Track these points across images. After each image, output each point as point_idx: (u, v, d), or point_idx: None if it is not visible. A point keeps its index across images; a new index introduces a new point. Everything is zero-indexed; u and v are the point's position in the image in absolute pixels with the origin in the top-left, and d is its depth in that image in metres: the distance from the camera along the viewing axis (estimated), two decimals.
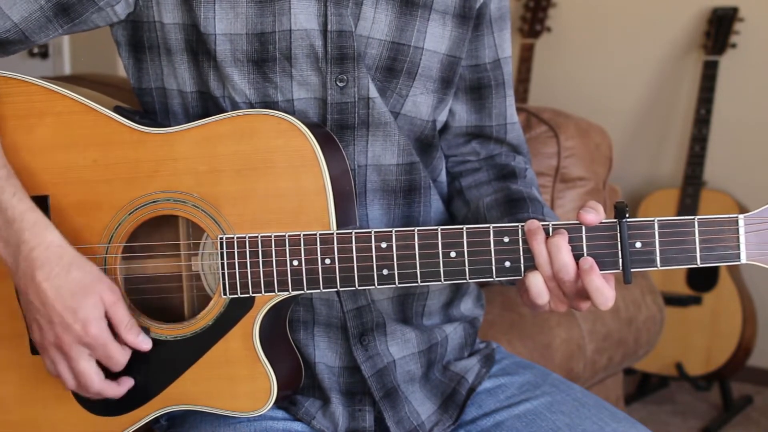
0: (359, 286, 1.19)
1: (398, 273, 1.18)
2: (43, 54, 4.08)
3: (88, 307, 1.19)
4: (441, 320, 1.43)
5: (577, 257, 1.15)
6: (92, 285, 1.20)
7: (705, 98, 3.50)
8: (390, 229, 1.18)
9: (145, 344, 1.23)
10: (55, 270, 1.19)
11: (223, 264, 1.21)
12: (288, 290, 1.20)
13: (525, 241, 1.16)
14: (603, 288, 1.13)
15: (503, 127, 1.46)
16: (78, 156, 1.26)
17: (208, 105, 1.30)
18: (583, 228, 1.15)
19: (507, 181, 1.41)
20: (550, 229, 1.16)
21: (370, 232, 1.18)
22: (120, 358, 1.22)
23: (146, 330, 1.25)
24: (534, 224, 1.15)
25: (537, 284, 1.15)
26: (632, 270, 1.14)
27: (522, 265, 1.16)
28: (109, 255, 1.26)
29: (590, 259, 1.14)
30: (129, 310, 1.23)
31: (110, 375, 1.24)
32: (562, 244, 1.14)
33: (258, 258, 1.20)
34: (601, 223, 1.14)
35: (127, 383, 1.25)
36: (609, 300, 1.14)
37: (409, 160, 1.35)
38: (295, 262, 1.20)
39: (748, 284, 3.53)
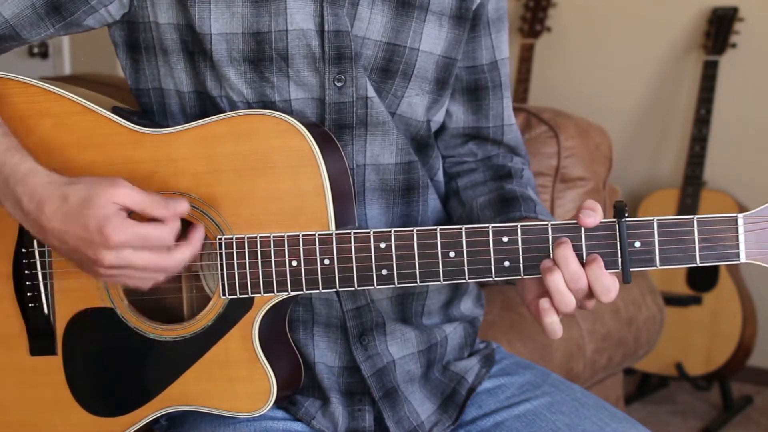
0: (358, 286, 1.19)
1: (397, 273, 1.18)
2: (43, 54, 4.08)
3: (95, 213, 1.13)
4: (441, 320, 1.43)
5: (578, 257, 1.15)
6: (91, 193, 1.14)
7: (705, 98, 3.50)
8: (389, 230, 1.18)
9: (181, 207, 1.16)
10: (53, 206, 1.15)
11: (222, 265, 1.21)
12: (287, 291, 1.20)
13: (524, 241, 1.16)
14: (602, 276, 1.13)
15: (500, 128, 1.46)
16: (77, 157, 1.26)
17: (205, 105, 1.30)
18: (582, 227, 1.15)
19: (502, 182, 1.41)
20: (549, 229, 1.16)
21: (369, 233, 1.18)
22: (158, 232, 1.15)
23: (141, 335, 1.24)
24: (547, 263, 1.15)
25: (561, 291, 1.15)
26: (631, 269, 1.14)
27: (521, 265, 1.16)
28: None
29: (594, 254, 1.15)
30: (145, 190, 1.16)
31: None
32: (569, 254, 1.14)
33: (257, 258, 1.20)
34: (601, 222, 1.14)
35: (198, 232, 1.19)
36: (610, 289, 1.13)
37: (407, 159, 1.35)
38: (294, 263, 1.20)
39: (748, 284, 3.53)
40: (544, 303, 1.16)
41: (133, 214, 1.16)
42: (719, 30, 3.55)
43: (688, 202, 3.48)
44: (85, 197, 1.14)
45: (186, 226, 1.27)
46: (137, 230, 1.14)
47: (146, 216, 1.16)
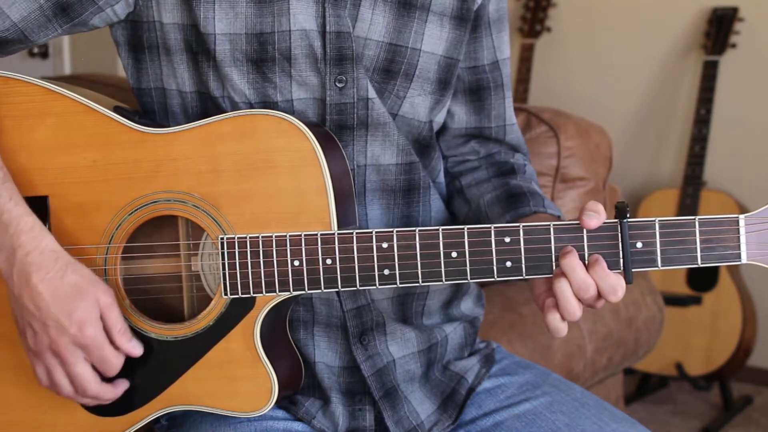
0: (360, 286, 1.19)
1: (399, 273, 1.18)
2: (43, 54, 4.09)
3: (84, 308, 1.19)
4: (441, 320, 1.43)
5: (580, 258, 1.15)
6: (88, 287, 1.20)
7: (705, 98, 3.51)
8: (391, 230, 1.18)
9: (136, 350, 1.23)
10: (51, 273, 1.19)
11: (223, 264, 1.21)
12: (289, 290, 1.20)
13: (526, 242, 1.16)
14: (606, 277, 1.13)
15: (502, 128, 1.46)
16: (78, 156, 1.26)
17: (207, 105, 1.30)
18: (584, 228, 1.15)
19: (506, 178, 1.41)
20: (552, 230, 1.16)
21: (372, 232, 1.18)
22: (115, 361, 1.22)
23: (142, 334, 1.25)
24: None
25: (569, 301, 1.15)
26: (633, 270, 1.14)
27: (523, 266, 1.16)
28: (109, 255, 1.26)
29: (596, 255, 1.15)
30: (122, 314, 1.23)
31: (104, 379, 1.24)
32: (575, 264, 1.14)
33: (259, 258, 1.20)
34: (603, 223, 1.14)
35: (123, 385, 1.25)
36: (616, 288, 1.13)
37: (408, 159, 1.35)
38: (296, 263, 1.20)
39: (748, 284, 3.53)
40: (550, 301, 1.16)
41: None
42: (719, 30, 3.55)
43: (688, 202, 3.48)
44: (82, 288, 1.19)
45: (188, 226, 1.27)
46: (105, 348, 1.21)
47: (111, 337, 1.22)
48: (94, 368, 1.23)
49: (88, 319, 1.19)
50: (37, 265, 1.19)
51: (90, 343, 1.20)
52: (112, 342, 1.22)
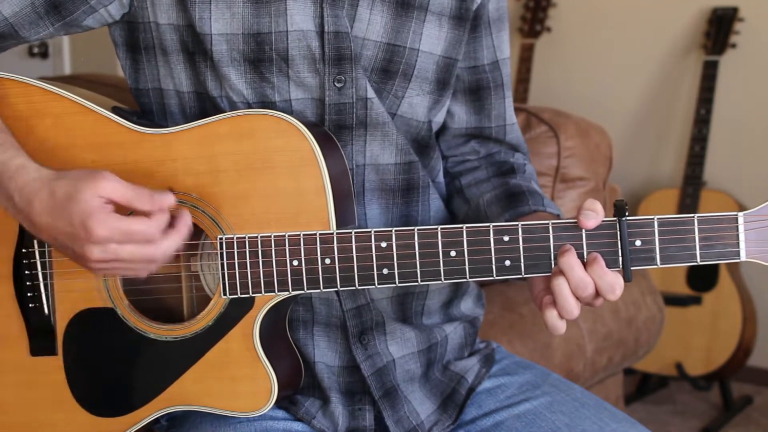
0: (359, 285, 1.19)
1: (398, 272, 1.18)
2: (43, 54, 4.09)
3: (79, 208, 1.13)
4: (441, 320, 1.43)
5: (579, 256, 1.15)
6: (77, 187, 1.14)
7: (705, 98, 3.51)
8: (390, 229, 1.18)
9: (166, 200, 1.16)
10: (42, 202, 1.16)
11: (222, 264, 1.21)
12: (288, 290, 1.20)
13: (525, 240, 1.16)
14: (604, 275, 1.13)
15: (502, 128, 1.46)
16: (77, 157, 1.26)
17: (205, 105, 1.30)
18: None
19: (506, 177, 1.41)
20: (550, 228, 1.16)
21: (370, 232, 1.18)
22: (142, 226, 1.14)
23: (141, 334, 1.24)
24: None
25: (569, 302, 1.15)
26: (632, 268, 1.14)
27: (522, 264, 1.16)
28: None
29: (594, 253, 1.15)
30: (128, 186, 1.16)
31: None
32: (573, 262, 1.14)
33: (258, 258, 1.20)
34: (601, 221, 1.14)
35: (184, 218, 1.18)
36: (614, 286, 1.13)
37: (407, 159, 1.35)
38: (295, 262, 1.20)
39: (748, 284, 3.53)
40: (548, 299, 1.16)
41: (122, 208, 1.15)
42: (719, 30, 3.55)
43: (688, 202, 3.48)
44: (71, 192, 1.14)
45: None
46: (120, 225, 1.13)
47: (132, 209, 1.15)
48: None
49: (86, 216, 1.13)
50: (30, 202, 1.16)
51: (102, 233, 1.13)
52: (140, 212, 1.16)
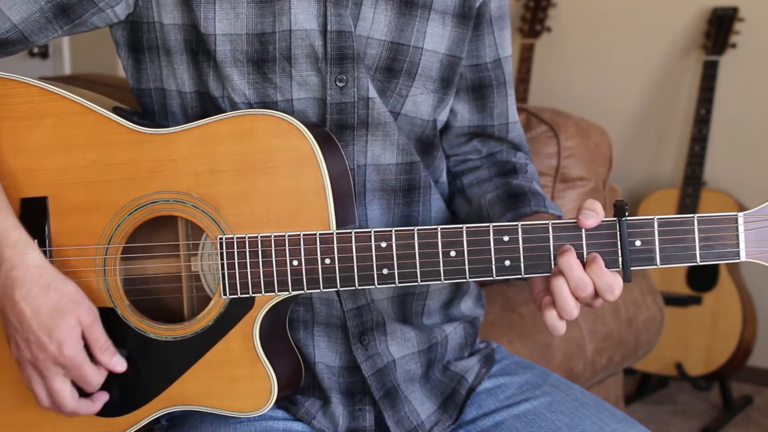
0: (359, 285, 1.19)
1: (398, 272, 1.18)
2: (43, 54, 4.09)
3: (64, 327, 1.20)
4: (441, 320, 1.43)
5: (579, 256, 1.15)
6: (69, 306, 1.21)
7: (705, 98, 3.51)
8: (390, 229, 1.18)
9: (119, 366, 1.24)
10: (34, 290, 1.20)
11: (222, 264, 1.21)
12: (288, 290, 1.20)
13: (525, 240, 1.16)
14: (603, 275, 1.13)
15: (505, 126, 1.46)
16: (77, 157, 1.26)
17: (207, 105, 1.30)
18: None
19: (508, 177, 1.41)
20: (550, 228, 1.16)
21: (370, 232, 1.18)
22: (94, 379, 1.23)
23: (142, 334, 1.25)
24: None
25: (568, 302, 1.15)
26: (632, 268, 1.14)
27: (522, 264, 1.16)
28: (108, 256, 1.26)
29: (593, 253, 1.15)
30: (104, 331, 1.24)
31: (84, 394, 1.25)
32: (573, 262, 1.14)
33: (258, 258, 1.20)
34: (601, 222, 1.14)
35: (102, 399, 1.26)
36: (613, 287, 1.13)
37: (408, 159, 1.35)
38: (295, 262, 1.20)
39: (748, 284, 3.53)
40: (547, 299, 1.16)
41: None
42: (719, 30, 3.55)
43: (688, 202, 3.48)
44: (63, 308, 1.21)
45: (188, 226, 1.27)
46: (84, 366, 1.23)
47: (93, 353, 1.23)
48: (75, 384, 1.24)
49: (67, 339, 1.20)
50: (21, 281, 1.20)
51: (68, 362, 1.21)
52: (94, 359, 1.23)
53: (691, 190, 3.49)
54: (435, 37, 1.34)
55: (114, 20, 1.31)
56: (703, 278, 3.46)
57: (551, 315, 1.16)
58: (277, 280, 1.20)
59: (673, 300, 3.39)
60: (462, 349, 1.45)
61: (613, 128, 2.73)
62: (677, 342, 3.45)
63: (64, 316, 1.20)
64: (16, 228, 1.22)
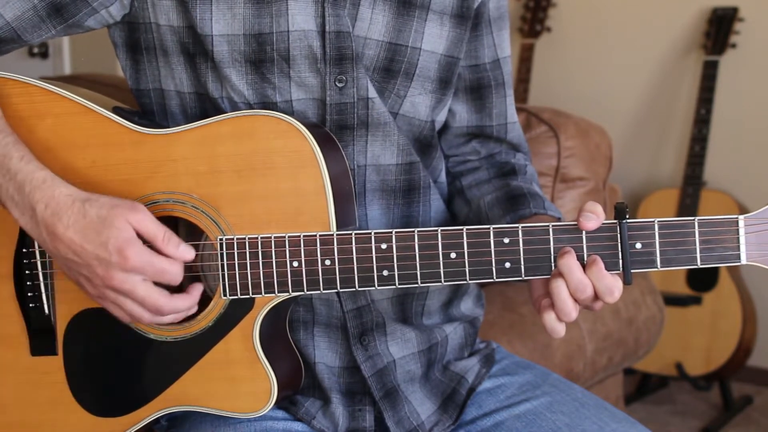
0: (359, 287, 1.19)
1: (398, 274, 1.18)
2: (43, 54, 4.09)
3: (116, 234, 1.16)
4: (441, 320, 1.43)
5: (579, 258, 1.15)
6: (112, 213, 1.17)
7: (705, 98, 3.50)
8: (390, 230, 1.18)
9: (188, 254, 1.19)
10: (72, 216, 1.17)
11: (222, 265, 1.21)
12: (288, 291, 1.20)
13: (525, 242, 1.16)
14: (603, 278, 1.13)
15: (504, 126, 1.46)
16: (77, 157, 1.26)
17: (206, 106, 1.30)
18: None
19: (507, 179, 1.41)
20: (551, 231, 1.16)
21: (370, 233, 1.18)
22: (172, 268, 1.18)
23: (141, 335, 1.24)
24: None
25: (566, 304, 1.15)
26: (632, 271, 1.14)
27: (522, 267, 1.16)
28: None
29: (594, 256, 1.15)
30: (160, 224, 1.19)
31: (173, 291, 1.21)
32: (572, 264, 1.14)
33: (258, 259, 1.20)
34: (602, 224, 1.14)
35: (197, 289, 1.22)
36: (612, 289, 1.13)
37: (408, 159, 1.35)
38: (295, 263, 1.20)
39: (748, 284, 3.53)
40: (546, 302, 1.16)
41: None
42: (719, 30, 3.55)
43: (688, 202, 3.48)
44: (106, 216, 1.16)
45: (188, 226, 1.27)
46: (155, 260, 1.16)
47: (157, 248, 1.17)
48: (159, 285, 1.19)
49: (124, 243, 1.15)
50: (57, 215, 1.17)
51: (137, 263, 1.16)
52: (160, 252, 1.18)
53: (691, 190, 3.49)
54: (433, 38, 1.34)
55: (109, 21, 1.31)
56: (703, 278, 3.46)
57: (550, 317, 1.16)
58: (277, 281, 1.20)
59: (673, 300, 3.39)
60: (462, 349, 1.45)
61: (613, 128, 2.73)
62: (677, 342, 3.45)
63: (110, 225, 1.16)
64: (40, 169, 1.20)
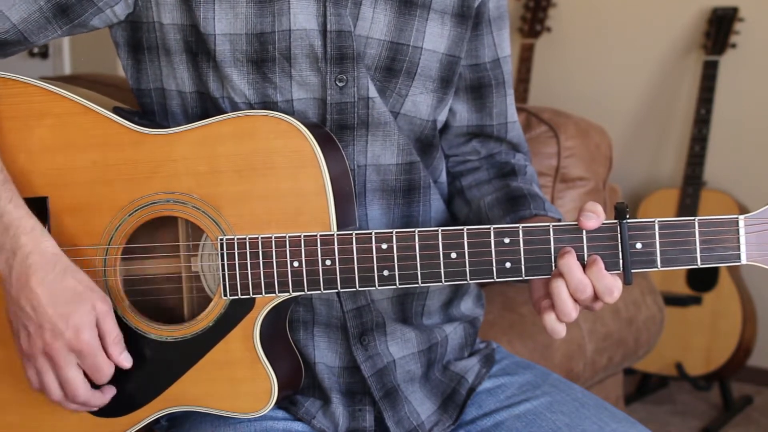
0: (360, 287, 1.19)
1: (399, 274, 1.18)
2: (43, 54, 4.08)
3: (81, 314, 1.19)
4: (441, 320, 1.43)
5: (579, 258, 1.15)
6: (85, 293, 1.20)
7: (705, 98, 3.50)
8: (390, 231, 1.18)
9: (126, 362, 1.23)
10: (50, 276, 1.19)
11: (223, 265, 1.21)
12: (288, 291, 1.20)
13: (526, 243, 1.16)
14: (602, 278, 1.13)
15: (504, 126, 1.46)
16: (77, 157, 1.26)
17: (207, 106, 1.30)
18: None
19: (507, 179, 1.41)
20: (551, 231, 1.16)
21: (371, 233, 1.18)
22: (107, 369, 1.22)
23: (142, 335, 1.25)
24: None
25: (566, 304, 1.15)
26: (633, 271, 1.14)
27: (522, 267, 1.16)
28: (108, 256, 1.26)
29: (594, 256, 1.15)
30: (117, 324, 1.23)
31: (93, 387, 1.25)
32: (573, 264, 1.14)
33: (258, 259, 1.20)
34: (602, 224, 1.14)
35: (111, 391, 1.25)
36: (612, 289, 1.13)
37: (408, 159, 1.35)
38: (296, 264, 1.20)
39: (748, 284, 3.53)
40: (546, 303, 1.16)
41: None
42: (719, 30, 3.55)
43: (688, 202, 3.48)
44: (81, 293, 1.20)
45: (188, 226, 1.27)
46: (99, 354, 1.21)
47: (104, 345, 1.22)
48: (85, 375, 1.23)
49: (84, 325, 1.19)
50: (37, 267, 1.19)
51: (84, 348, 1.20)
52: (105, 350, 1.22)
53: (691, 190, 3.49)
54: (434, 37, 1.34)
55: (114, 20, 1.31)
56: (703, 278, 3.46)
57: (550, 318, 1.16)
58: (278, 282, 1.20)
59: (673, 300, 3.39)
60: (462, 349, 1.45)
61: (613, 128, 2.72)
62: (677, 342, 3.45)
63: (81, 303, 1.19)
64: (30, 216, 1.21)
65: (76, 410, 1.25)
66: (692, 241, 1.13)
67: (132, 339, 1.26)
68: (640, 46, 3.80)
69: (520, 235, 1.16)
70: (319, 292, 1.20)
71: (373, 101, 1.30)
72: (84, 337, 1.19)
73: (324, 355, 1.34)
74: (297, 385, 1.32)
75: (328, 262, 1.19)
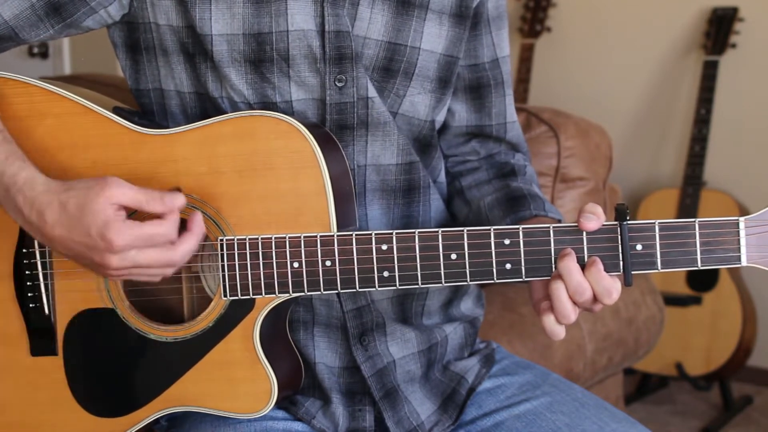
0: (360, 287, 1.19)
1: (399, 275, 1.18)
2: (43, 54, 4.08)
3: (93, 219, 1.13)
4: (441, 320, 1.43)
5: (579, 260, 1.15)
6: (87, 197, 1.14)
7: (705, 98, 3.50)
8: (390, 231, 1.18)
9: (178, 201, 1.15)
10: (54, 213, 1.16)
11: (223, 266, 1.21)
12: (288, 292, 1.20)
13: (526, 244, 1.16)
14: (601, 279, 1.13)
15: (503, 126, 1.46)
16: (77, 157, 1.26)
17: (206, 106, 1.30)
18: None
19: (507, 179, 1.41)
20: (551, 232, 1.16)
21: (371, 234, 1.18)
22: (161, 229, 1.14)
23: (142, 335, 1.24)
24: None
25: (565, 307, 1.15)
26: (633, 272, 1.14)
27: (522, 268, 1.16)
28: None
29: (593, 257, 1.15)
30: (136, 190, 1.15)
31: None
32: (572, 266, 1.14)
33: (258, 260, 1.20)
34: (602, 225, 1.14)
35: (197, 218, 1.18)
36: (610, 291, 1.13)
37: (408, 159, 1.35)
38: (296, 264, 1.20)
39: (748, 284, 3.53)
40: (545, 304, 1.17)
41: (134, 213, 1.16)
42: (719, 30, 3.55)
43: (688, 203, 3.48)
44: (82, 202, 1.14)
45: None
46: (139, 231, 1.14)
47: (144, 213, 1.15)
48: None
49: (103, 227, 1.13)
50: (42, 215, 1.16)
51: (121, 242, 1.13)
52: (151, 213, 1.16)
53: (691, 190, 3.49)
54: (432, 37, 1.34)
55: (108, 21, 1.30)
56: (703, 279, 3.46)
57: (549, 319, 1.16)
58: (278, 282, 1.20)
59: (673, 300, 3.39)
60: (462, 349, 1.45)
61: (613, 128, 2.72)
62: (677, 342, 3.45)
63: (88, 209, 1.14)
64: (23, 168, 1.19)
65: (183, 262, 1.18)
66: (692, 242, 1.13)
67: (132, 339, 1.26)
68: (640, 46, 3.80)
69: (521, 237, 1.16)
70: (319, 292, 1.20)
71: (373, 101, 1.30)
72: (112, 236, 1.12)
73: (324, 355, 1.34)
74: (297, 385, 1.32)
75: (328, 263, 1.19)
